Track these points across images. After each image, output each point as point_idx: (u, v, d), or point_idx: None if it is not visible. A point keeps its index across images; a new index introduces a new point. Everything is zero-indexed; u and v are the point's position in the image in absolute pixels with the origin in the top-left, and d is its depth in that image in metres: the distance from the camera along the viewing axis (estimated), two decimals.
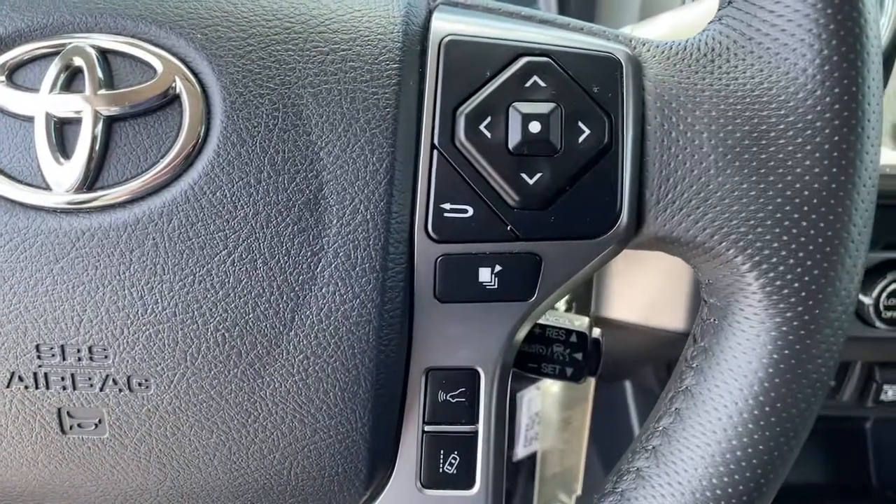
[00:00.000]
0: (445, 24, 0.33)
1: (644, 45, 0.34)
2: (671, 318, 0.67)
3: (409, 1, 0.34)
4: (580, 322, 0.44)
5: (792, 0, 0.30)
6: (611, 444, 1.01)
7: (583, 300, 0.76)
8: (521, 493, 0.84)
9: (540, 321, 0.44)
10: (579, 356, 0.44)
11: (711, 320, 0.34)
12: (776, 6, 0.31)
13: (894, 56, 0.58)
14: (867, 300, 0.68)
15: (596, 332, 0.45)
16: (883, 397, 0.82)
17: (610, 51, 0.33)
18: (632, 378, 0.99)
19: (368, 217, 0.31)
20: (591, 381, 0.74)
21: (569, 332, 0.44)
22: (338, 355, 0.32)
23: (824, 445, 1.12)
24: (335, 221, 0.31)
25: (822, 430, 1.12)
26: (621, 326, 0.75)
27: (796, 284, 0.31)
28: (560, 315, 0.45)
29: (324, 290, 0.31)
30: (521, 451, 0.73)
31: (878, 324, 0.69)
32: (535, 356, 0.44)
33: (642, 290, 0.72)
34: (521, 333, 0.35)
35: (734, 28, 0.32)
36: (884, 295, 0.68)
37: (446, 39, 0.33)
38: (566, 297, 0.66)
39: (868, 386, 0.82)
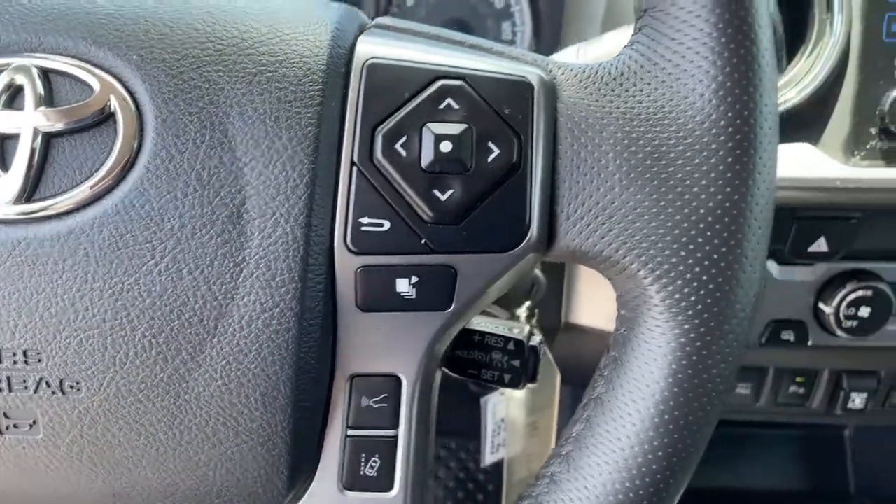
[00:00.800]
0: (369, 48, 0.35)
1: (560, 68, 0.35)
2: None
3: (337, 25, 0.36)
4: (519, 330, 0.46)
5: (691, 29, 0.32)
6: None
7: (551, 306, 0.77)
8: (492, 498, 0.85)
9: (480, 328, 0.45)
10: (517, 363, 0.45)
11: (622, 331, 0.35)
12: (677, 34, 0.32)
13: (845, 71, 0.59)
14: (827, 310, 0.69)
15: (535, 340, 0.46)
16: (851, 405, 0.82)
17: (523, 74, 0.34)
18: None
19: (289, 230, 0.33)
20: (557, 386, 0.75)
21: (507, 339, 0.45)
22: (258, 362, 0.33)
23: (804, 453, 1.13)
24: (257, 234, 0.33)
25: (801, 437, 1.13)
26: (591, 332, 0.76)
27: (693, 298, 0.32)
28: (500, 323, 0.46)
29: (245, 300, 0.33)
30: (488, 458, 0.74)
31: (839, 333, 0.69)
32: (475, 363, 0.46)
33: (611, 296, 0.73)
34: (444, 342, 0.36)
35: (642, 53, 0.34)
36: (843, 304, 0.68)
37: (368, 62, 0.34)
38: (526, 303, 0.67)
39: (836, 394, 0.82)
